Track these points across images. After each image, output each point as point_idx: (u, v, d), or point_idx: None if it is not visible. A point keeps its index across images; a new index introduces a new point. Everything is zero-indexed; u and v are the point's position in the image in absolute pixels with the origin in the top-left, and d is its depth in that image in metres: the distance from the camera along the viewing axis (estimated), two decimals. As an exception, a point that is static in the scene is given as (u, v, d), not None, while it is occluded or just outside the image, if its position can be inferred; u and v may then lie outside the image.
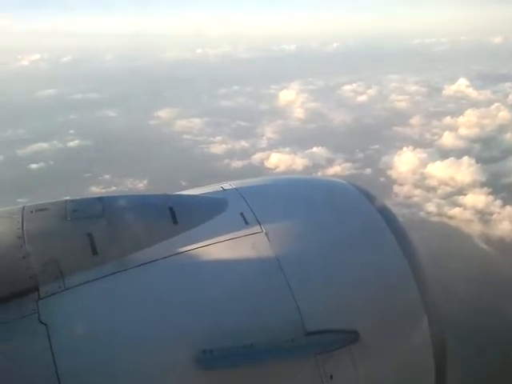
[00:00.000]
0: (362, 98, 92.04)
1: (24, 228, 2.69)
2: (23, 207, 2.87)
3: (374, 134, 64.05)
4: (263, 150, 60.73)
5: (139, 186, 48.26)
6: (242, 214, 2.99)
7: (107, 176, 51.09)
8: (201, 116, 77.24)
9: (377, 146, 59.20)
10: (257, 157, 58.03)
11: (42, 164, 56.89)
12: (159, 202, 3.09)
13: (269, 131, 69.43)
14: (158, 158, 55.14)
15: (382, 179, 49.21)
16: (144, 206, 3.08)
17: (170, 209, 2.93)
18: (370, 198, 3.32)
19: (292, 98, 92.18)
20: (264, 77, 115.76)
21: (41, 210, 2.86)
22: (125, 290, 2.60)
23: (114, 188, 46.83)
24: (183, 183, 42.43)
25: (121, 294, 2.59)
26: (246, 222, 2.93)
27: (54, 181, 47.68)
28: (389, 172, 51.30)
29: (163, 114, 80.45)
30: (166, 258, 2.71)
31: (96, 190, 45.49)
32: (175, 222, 2.88)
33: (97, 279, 2.57)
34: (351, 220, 3.20)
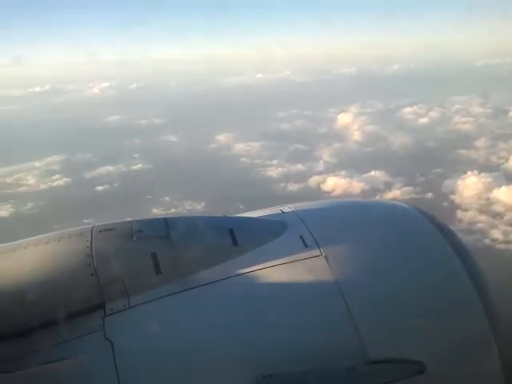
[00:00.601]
0: (424, 121, 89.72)
1: (93, 247, 2.78)
2: (92, 227, 2.96)
3: (436, 158, 62.03)
4: (320, 173, 60.51)
5: (197, 208, 49.48)
6: (301, 236, 2.95)
7: (167, 198, 52.87)
8: (258, 139, 78.36)
9: (439, 170, 57.25)
10: (313, 180, 57.88)
11: (107, 186, 59.90)
12: (220, 224, 3.10)
13: (326, 154, 69.16)
14: (216, 181, 56.40)
15: (445, 204, 47.44)
16: (205, 227, 3.06)
17: (230, 231, 2.94)
18: (435, 223, 3.15)
19: (350, 120, 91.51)
20: (323, 100, 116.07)
21: (108, 229, 2.94)
22: (186, 310, 2.62)
23: (173, 210, 48.33)
24: (240, 206, 42.98)
25: (183, 314, 2.62)
26: (306, 245, 2.89)
27: (118, 202, 49.81)
28: (452, 197, 49.42)
29: (222, 137, 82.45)
30: (226, 279, 2.72)
31: (157, 212, 47.15)
32: (235, 243, 2.89)
33: (160, 298, 2.62)
34: (415, 246, 3.05)
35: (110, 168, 67.58)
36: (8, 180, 64.55)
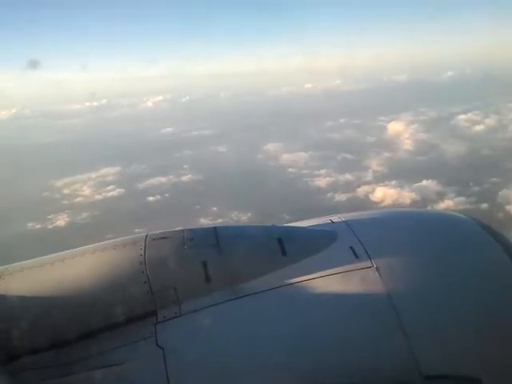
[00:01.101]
0: (479, 128, 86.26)
1: (146, 255, 2.83)
2: (146, 235, 3.02)
3: (492, 167, 59.40)
4: (368, 183, 59.55)
5: (243, 218, 49.94)
6: (351, 247, 2.91)
7: (215, 208, 53.73)
8: (306, 149, 78.27)
9: (495, 179, 54.80)
10: (362, 190, 57.04)
11: (158, 197, 61.71)
12: (268, 233, 3.08)
13: (375, 164, 68.02)
14: (263, 192, 56.76)
15: (501, 215, 45.33)
16: (255, 236, 3.07)
17: (279, 240, 2.93)
18: (493, 234, 3.01)
19: (401, 129, 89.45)
20: (373, 108, 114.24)
21: (161, 238, 2.99)
22: (236, 319, 2.63)
23: (220, 220, 49.00)
24: (286, 216, 43.01)
25: (233, 323, 2.62)
26: (356, 256, 2.84)
27: (168, 212, 51.26)
28: (508, 207, 47.12)
29: (270, 148, 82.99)
30: (274, 288, 2.71)
31: (204, 222, 47.95)
32: (284, 253, 2.87)
33: (210, 306, 2.64)
34: (472, 258, 2.91)
35: (162, 179, 69.62)
36: (65, 191, 67.90)
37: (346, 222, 3.22)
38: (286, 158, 76.49)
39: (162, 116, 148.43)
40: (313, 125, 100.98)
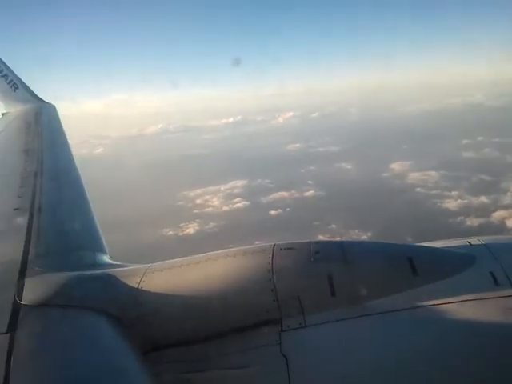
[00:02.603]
0: None
1: (273, 263, 2.92)
2: (274, 245, 3.13)
3: None
4: (506, 207, 54.05)
5: (362, 237, 48.70)
6: (491, 272, 2.75)
7: (334, 226, 53.40)
8: (437, 169, 73.66)
9: None
10: (497, 215, 52.03)
11: (279, 211, 63.13)
12: (399, 251, 3.00)
13: (515, 186, 61.44)
14: (386, 211, 54.78)
15: None
16: (383, 253, 3.02)
17: (410, 259, 2.85)
18: None
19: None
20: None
21: (288, 248, 3.06)
22: (362, 337, 2.60)
23: (338, 238, 48.27)
24: (409, 239, 40.99)
25: (358, 340, 2.60)
26: (497, 283, 2.68)
27: (288, 227, 52.03)
28: None
29: (397, 166, 79.77)
30: (403, 310, 2.64)
31: (322, 239, 47.63)
32: (415, 273, 2.78)
33: (335, 321, 2.64)
34: None
35: (285, 193, 71.02)
36: (198, 201, 72.78)
37: (486, 246, 3.04)
38: (414, 176, 72.87)
39: (291, 132, 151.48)
40: (447, 142, 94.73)
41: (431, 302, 2.63)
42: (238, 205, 69.51)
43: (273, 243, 3.16)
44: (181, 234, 58.22)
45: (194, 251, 3.59)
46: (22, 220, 4.80)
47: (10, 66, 14.88)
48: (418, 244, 3.25)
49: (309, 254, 2.95)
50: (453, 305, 2.59)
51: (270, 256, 2.99)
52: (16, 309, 3.02)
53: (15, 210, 5.20)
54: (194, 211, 67.21)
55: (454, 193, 62.20)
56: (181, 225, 60.62)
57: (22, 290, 3.23)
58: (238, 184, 79.86)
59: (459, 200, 59.30)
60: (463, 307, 2.57)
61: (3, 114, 14.11)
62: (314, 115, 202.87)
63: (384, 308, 2.64)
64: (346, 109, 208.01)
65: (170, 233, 58.35)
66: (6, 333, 2.76)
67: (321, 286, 2.79)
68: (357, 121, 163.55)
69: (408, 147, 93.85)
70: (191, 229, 59.40)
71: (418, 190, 66.79)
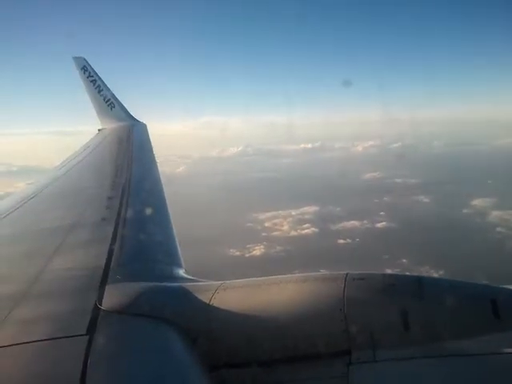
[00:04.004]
0: None
1: (345, 293, 2.84)
2: (347, 274, 3.06)
3: None
4: None
5: (433, 275, 46.35)
6: None
7: (404, 260, 51.26)
8: (524, 208, 68.57)
9: None
10: None
11: (348, 240, 61.91)
12: (480, 292, 2.89)
13: None
14: (462, 249, 51.73)
15: None
16: (464, 293, 2.87)
17: (493, 301, 2.71)
18: None
19: None
20: None
21: (360, 279, 2.99)
22: (433, 377, 2.47)
23: (407, 273, 46.27)
24: (483, 281, 38.42)
25: (429, 381, 2.49)
26: None
27: (355, 258, 50.82)
28: None
29: (479, 203, 75.28)
30: (485, 355, 2.52)
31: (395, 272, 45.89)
32: (497, 316, 2.65)
33: (407, 359, 2.53)
34: None
35: (356, 223, 69.55)
36: (267, 224, 73.19)
37: None
38: (496, 215, 68.33)
39: (369, 161, 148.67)
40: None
41: None
42: (307, 231, 69.05)
43: (345, 272, 3.09)
44: (247, 255, 58.87)
45: (259, 274, 3.65)
46: (107, 230, 5.08)
47: (108, 85, 16.27)
48: (503, 286, 3.06)
49: (383, 286, 2.88)
50: None
51: (342, 285, 2.93)
52: (96, 313, 3.20)
53: (103, 219, 5.57)
54: (263, 234, 67.76)
55: (540, 236, 57.51)
56: (248, 246, 61.26)
57: (103, 296, 3.42)
58: (309, 210, 79.40)
59: (545, 244, 54.66)
60: None
61: (99, 130, 15.39)
62: (394, 145, 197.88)
63: (460, 351, 2.53)
64: (429, 141, 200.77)
65: (237, 253, 59.10)
66: (86, 334, 2.91)
67: (394, 321, 2.71)
68: (439, 153, 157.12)
69: (494, 183, 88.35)
70: (257, 251, 59.92)
71: (498, 229, 62.52)
